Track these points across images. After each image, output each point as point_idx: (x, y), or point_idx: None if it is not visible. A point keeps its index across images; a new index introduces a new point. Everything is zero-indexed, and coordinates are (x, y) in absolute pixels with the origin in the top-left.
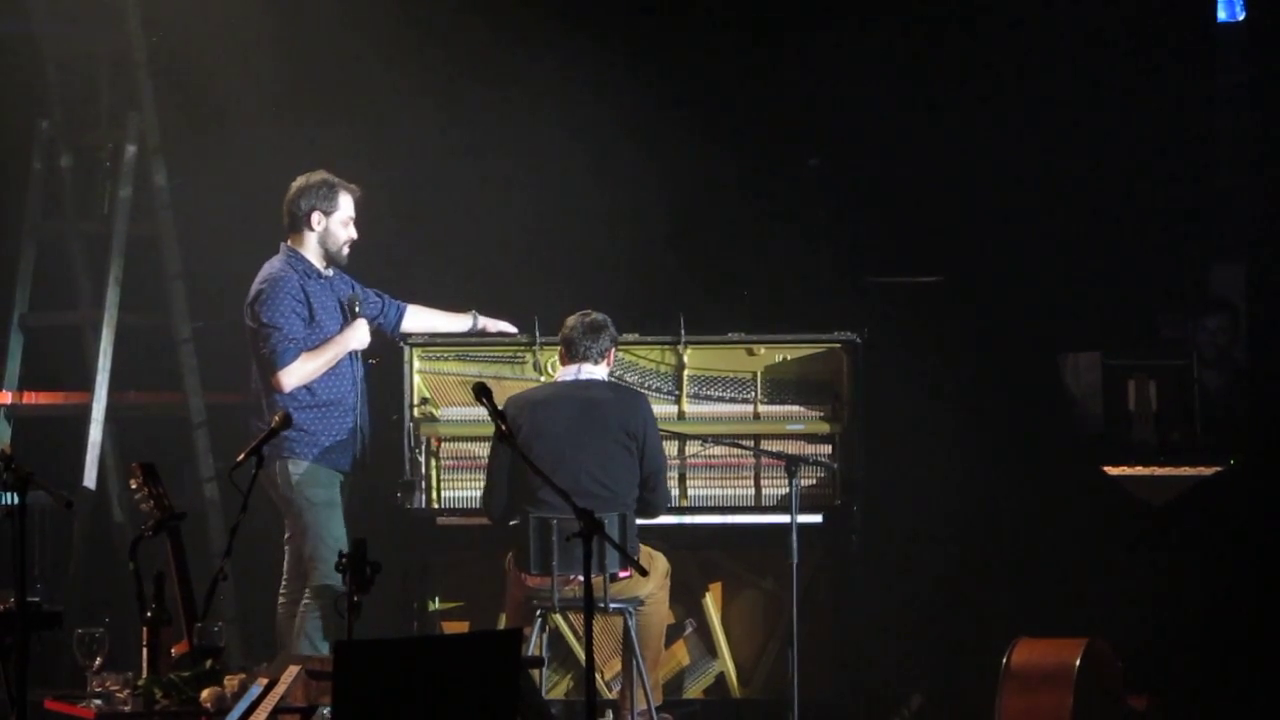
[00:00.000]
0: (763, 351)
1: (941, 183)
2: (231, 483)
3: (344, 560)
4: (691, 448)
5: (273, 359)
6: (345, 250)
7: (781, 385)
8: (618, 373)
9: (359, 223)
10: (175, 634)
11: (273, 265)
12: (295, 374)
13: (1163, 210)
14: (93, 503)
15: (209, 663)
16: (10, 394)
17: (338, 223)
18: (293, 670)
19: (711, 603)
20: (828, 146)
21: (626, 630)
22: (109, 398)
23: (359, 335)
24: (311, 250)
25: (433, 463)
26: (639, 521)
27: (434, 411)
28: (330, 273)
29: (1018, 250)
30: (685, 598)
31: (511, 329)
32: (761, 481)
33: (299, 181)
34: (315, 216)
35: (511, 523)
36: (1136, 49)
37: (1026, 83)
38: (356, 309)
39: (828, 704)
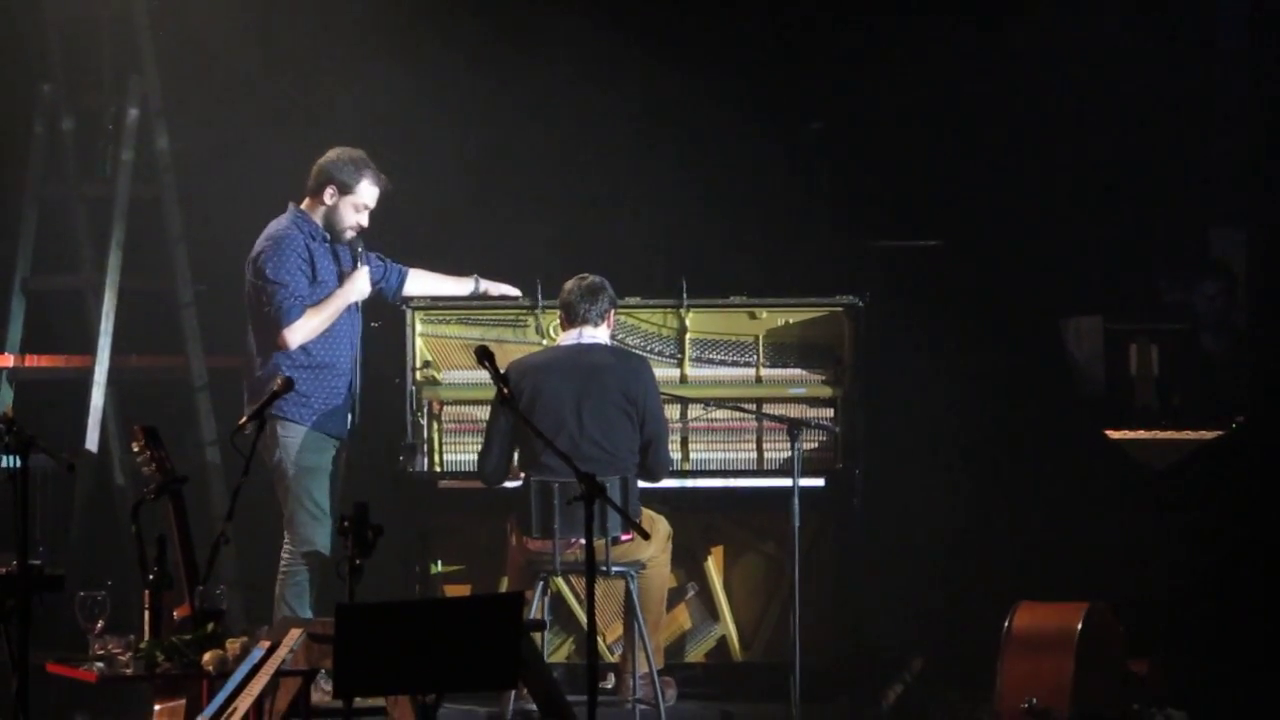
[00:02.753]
0: (765, 315)
1: (943, 147)
2: (233, 446)
3: (346, 524)
4: (693, 411)
5: (278, 316)
6: (347, 235)
7: (783, 349)
8: (619, 336)
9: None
10: (177, 597)
11: (279, 223)
12: (300, 330)
13: (1163, 174)
14: (94, 466)
15: (211, 626)
16: (12, 357)
17: (349, 205)
18: (294, 633)
19: (713, 566)
20: (830, 110)
21: (628, 594)
22: (111, 361)
23: (359, 285)
24: (319, 218)
25: (434, 426)
26: (640, 485)
27: (436, 375)
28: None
29: (1019, 214)
30: (687, 561)
31: (514, 292)
32: (763, 445)
33: (333, 152)
34: (329, 190)
35: (514, 484)
36: (1138, 10)
37: (1027, 45)
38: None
39: (829, 667)
